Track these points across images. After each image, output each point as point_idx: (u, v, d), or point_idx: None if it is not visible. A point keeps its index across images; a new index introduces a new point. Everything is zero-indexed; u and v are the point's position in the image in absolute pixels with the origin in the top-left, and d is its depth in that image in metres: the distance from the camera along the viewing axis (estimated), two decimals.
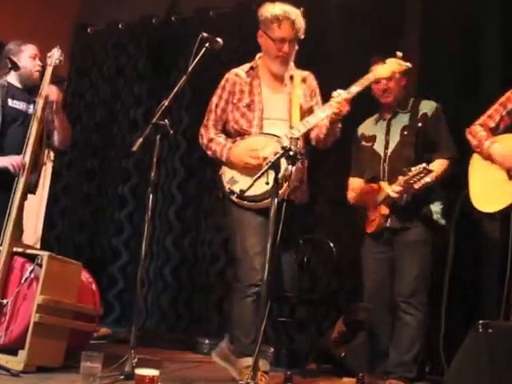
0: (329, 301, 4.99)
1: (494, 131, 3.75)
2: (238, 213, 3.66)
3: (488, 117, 3.81)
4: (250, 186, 3.22)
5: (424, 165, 3.72)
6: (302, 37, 3.71)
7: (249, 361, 3.32)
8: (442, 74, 4.72)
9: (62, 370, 3.56)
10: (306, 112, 3.71)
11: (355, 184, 4.23)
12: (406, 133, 4.08)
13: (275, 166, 3.18)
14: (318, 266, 5.01)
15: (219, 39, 3.70)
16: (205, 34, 3.65)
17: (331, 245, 4.82)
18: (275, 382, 3.59)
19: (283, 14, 3.64)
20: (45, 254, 3.60)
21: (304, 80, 3.82)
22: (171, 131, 3.62)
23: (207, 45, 3.65)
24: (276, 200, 3.18)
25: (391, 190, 3.89)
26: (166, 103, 3.57)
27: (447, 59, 4.85)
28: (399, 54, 3.70)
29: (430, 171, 3.74)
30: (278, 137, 3.56)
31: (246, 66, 3.86)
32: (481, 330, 2.69)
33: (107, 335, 5.18)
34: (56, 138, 4.26)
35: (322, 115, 3.59)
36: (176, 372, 4.04)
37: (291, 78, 3.79)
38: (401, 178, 3.83)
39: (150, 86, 6.50)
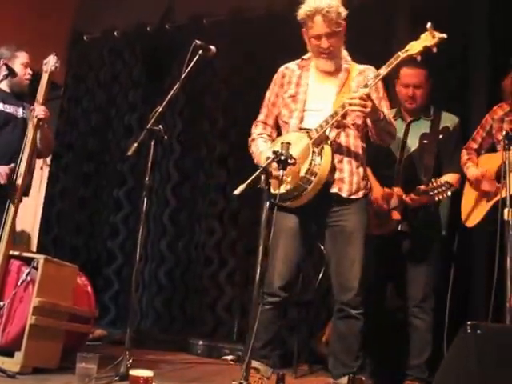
0: (320, 302, 5.00)
1: (479, 151, 4.17)
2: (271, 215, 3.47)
3: (472, 140, 4.20)
4: (243, 189, 3.19)
5: (448, 179, 3.79)
6: (340, 28, 3.53)
7: (255, 364, 3.42)
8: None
9: (58, 372, 3.57)
10: None
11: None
12: (425, 141, 4.07)
13: (266, 170, 3.14)
14: (310, 267, 5.04)
15: (212, 47, 3.74)
16: (198, 42, 3.69)
17: (322, 247, 4.83)
18: (267, 382, 3.61)
19: (313, 9, 3.48)
20: (41, 257, 3.62)
21: (361, 73, 3.64)
22: (165, 136, 3.65)
23: (200, 52, 3.69)
24: (268, 203, 3.15)
25: (408, 198, 3.90)
26: (160, 109, 3.61)
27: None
28: (429, 24, 3.31)
29: (452, 186, 3.74)
30: (311, 130, 3.47)
31: (300, 60, 3.76)
32: (469, 331, 2.66)
33: (102, 337, 5.17)
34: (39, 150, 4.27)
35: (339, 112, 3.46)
36: (170, 373, 4.05)
37: (347, 70, 3.65)
38: (420, 188, 3.85)
39: (145, 93, 6.52)
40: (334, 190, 3.51)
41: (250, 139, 3.79)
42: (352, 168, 3.56)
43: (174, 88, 3.67)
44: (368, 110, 3.36)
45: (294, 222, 3.55)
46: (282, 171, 3.18)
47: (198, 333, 5.61)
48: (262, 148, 3.67)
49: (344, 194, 3.52)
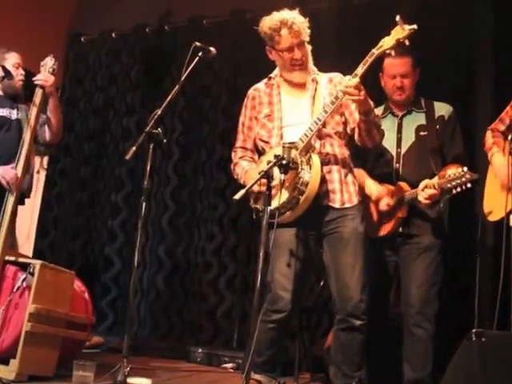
0: (322, 309, 4.96)
1: (506, 133, 3.73)
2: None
3: (499, 120, 3.86)
4: (242, 195, 3.18)
5: (466, 168, 3.60)
6: (307, 37, 3.55)
7: (257, 376, 3.41)
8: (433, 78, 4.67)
9: (54, 379, 3.55)
10: (334, 111, 3.51)
11: (358, 174, 3.88)
12: (422, 133, 3.95)
13: (268, 175, 3.15)
14: (311, 273, 4.98)
15: (212, 48, 3.70)
16: (198, 44, 3.65)
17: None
18: None
19: (279, 23, 3.49)
20: (37, 262, 3.59)
21: (331, 80, 3.64)
22: (164, 140, 3.61)
23: (200, 54, 3.64)
24: (268, 209, 3.14)
25: (423, 193, 3.72)
26: (159, 112, 3.57)
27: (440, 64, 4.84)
28: (398, 17, 3.31)
29: (473, 176, 3.58)
30: (294, 143, 3.42)
31: (267, 79, 3.75)
32: (474, 339, 2.68)
33: (100, 344, 5.15)
34: (47, 131, 4.25)
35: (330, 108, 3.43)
36: (168, 381, 4.03)
37: (314, 80, 3.64)
38: (435, 181, 3.70)
39: (143, 95, 6.50)
40: (325, 202, 3.49)
41: (231, 165, 3.78)
42: (341, 177, 3.54)
43: (174, 90, 3.63)
44: (362, 97, 3.31)
45: (292, 235, 3.51)
46: (283, 175, 3.16)
47: (198, 340, 5.60)
48: (246, 167, 3.66)
49: (336, 205, 3.50)
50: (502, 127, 3.81)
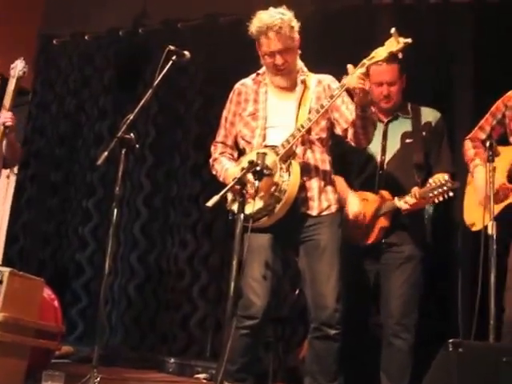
0: (297, 319, 4.88)
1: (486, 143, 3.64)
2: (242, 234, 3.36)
3: (479, 128, 3.82)
4: (217, 201, 3.13)
5: (447, 177, 3.58)
6: (296, 42, 3.49)
7: None
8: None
9: None
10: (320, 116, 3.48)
11: (338, 183, 3.83)
12: (408, 140, 3.90)
13: (241, 181, 3.12)
14: (286, 282, 4.94)
15: (186, 52, 3.66)
16: (172, 47, 3.61)
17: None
18: None
19: (266, 25, 3.40)
20: (6, 270, 3.50)
21: (320, 82, 3.59)
22: (137, 145, 3.57)
23: (174, 58, 3.60)
24: (242, 216, 3.11)
25: (403, 201, 3.70)
26: (132, 116, 3.52)
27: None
28: (393, 30, 3.27)
29: (454, 184, 3.56)
30: (276, 147, 3.41)
31: (255, 74, 3.69)
32: (451, 349, 2.65)
33: (70, 354, 5.07)
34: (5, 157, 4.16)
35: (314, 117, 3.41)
36: None
37: (303, 82, 3.59)
38: (416, 190, 3.66)
39: (116, 99, 6.41)
40: (303, 209, 3.46)
41: (211, 160, 3.74)
42: (320, 184, 3.51)
43: (147, 95, 3.59)
44: (368, 87, 3.28)
45: (266, 241, 3.48)
46: (257, 182, 3.13)
47: (170, 350, 5.55)
48: (227, 165, 3.61)
49: (314, 213, 3.48)
50: (483, 135, 3.76)
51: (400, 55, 3.31)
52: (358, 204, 3.86)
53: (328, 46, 5.03)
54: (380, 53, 3.32)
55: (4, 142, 3.97)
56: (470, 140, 3.85)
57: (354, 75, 3.26)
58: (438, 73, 4.91)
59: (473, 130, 3.87)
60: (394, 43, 3.27)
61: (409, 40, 3.25)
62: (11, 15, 6.26)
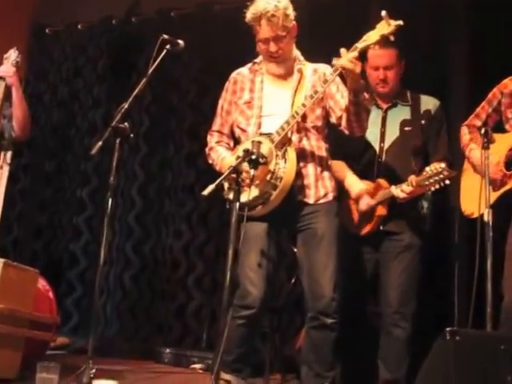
0: (293, 309, 4.88)
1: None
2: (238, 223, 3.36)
3: (475, 116, 3.84)
4: (212, 190, 3.12)
5: (444, 165, 3.56)
6: (292, 30, 3.48)
7: (226, 376, 3.34)
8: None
9: (17, 382, 3.54)
10: (315, 105, 3.49)
11: (338, 166, 3.87)
12: (407, 128, 3.89)
13: (237, 170, 3.13)
14: (282, 271, 4.93)
15: (180, 41, 3.64)
16: (165, 36, 3.59)
17: (295, 250, 4.73)
18: None
19: (259, 12, 3.40)
20: (0, 260, 3.54)
21: (315, 71, 3.58)
22: (131, 134, 3.56)
23: (168, 47, 3.58)
24: (237, 204, 3.12)
25: (399, 189, 3.68)
26: (126, 106, 3.50)
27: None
28: (383, 12, 3.26)
29: (451, 172, 3.55)
30: (271, 134, 3.41)
31: (251, 63, 3.69)
32: (448, 338, 2.64)
33: (65, 345, 5.10)
34: (15, 126, 4.20)
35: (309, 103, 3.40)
36: (135, 383, 4.02)
37: (299, 71, 3.58)
38: (413, 178, 3.64)
39: (110, 88, 6.41)
40: (300, 197, 3.46)
41: (207, 148, 3.74)
42: (317, 171, 3.51)
43: (141, 84, 3.56)
44: (359, 70, 3.26)
45: (263, 229, 3.48)
46: (253, 171, 3.14)
47: (166, 340, 5.54)
48: (223, 154, 3.62)
49: (311, 201, 3.48)
50: (479, 123, 3.78)
51: (392, 38, 3.30)
52: (358, 182, 3.87)
53: (320, 37, 5.01)
54: (372, 36, 3.31)
55: (14, 95, 4.02)
56: (466, 126, 3.87)
57: (345, 57, 3.25)
58: (434, 60, 4.89)
59: (469, 118, 3.89)
60: (385, 26, 3.26)
61: (400, 22, 3.24)
62: (3, 4, 6.21)
